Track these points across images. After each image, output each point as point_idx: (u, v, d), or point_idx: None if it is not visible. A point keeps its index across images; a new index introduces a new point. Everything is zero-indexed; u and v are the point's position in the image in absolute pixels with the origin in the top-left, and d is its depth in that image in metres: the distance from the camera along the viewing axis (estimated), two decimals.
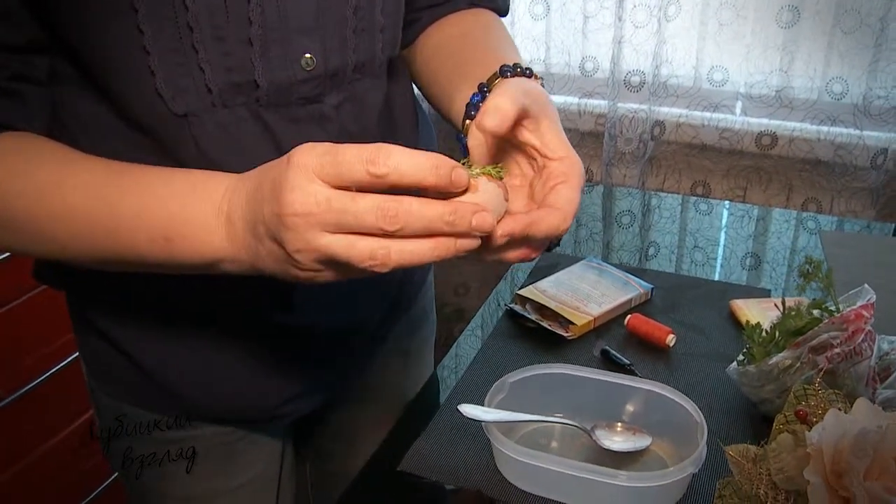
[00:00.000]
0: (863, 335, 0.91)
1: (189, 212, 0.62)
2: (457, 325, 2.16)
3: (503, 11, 0.98)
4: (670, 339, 1.06)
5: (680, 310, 1.16)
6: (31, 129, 0.69)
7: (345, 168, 0.53)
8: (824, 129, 1.69)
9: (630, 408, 0.92)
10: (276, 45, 0.70)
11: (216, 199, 0.62)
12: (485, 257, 0.63)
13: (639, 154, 1.79)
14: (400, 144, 0.61)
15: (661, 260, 1.36)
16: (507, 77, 0.72)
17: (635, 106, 1.77)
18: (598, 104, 1.83)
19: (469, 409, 0.85)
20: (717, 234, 1.52)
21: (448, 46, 0.87)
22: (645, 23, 1.69)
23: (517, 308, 1.13)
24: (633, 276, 1.20)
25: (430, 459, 0.89)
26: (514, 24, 1.84)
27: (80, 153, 0.68)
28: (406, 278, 1.00)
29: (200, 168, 0.68)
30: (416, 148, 0.58)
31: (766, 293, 1.20)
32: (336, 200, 0.53)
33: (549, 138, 0.67)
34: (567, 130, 1.91)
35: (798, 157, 1.73)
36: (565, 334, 1.08)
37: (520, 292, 1.15)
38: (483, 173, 0.60)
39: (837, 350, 0.90)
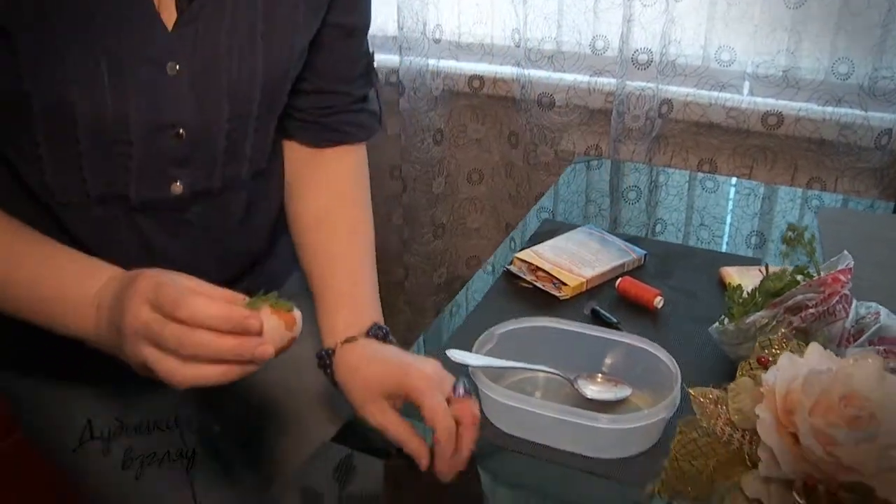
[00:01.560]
0: (837, 297, 0.96)
1: (69, 297, 0.75)
2: None
3: (373, 133, 1.09)
4: (658, 301, 1.11)
5: (672, 275, 1.21)
6: None
7: (162, 304, 0.65)
8: (829, 109, 1.71)
9: (612, 360, 0.97)
10: (150, 174, 0.84)
11: (92, 292, 0.74)
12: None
13: (646, 131, 1.83)
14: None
15: (667, 236, 1.40)
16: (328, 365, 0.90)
17: (643, 84, 1.81)
18: (608, 82, 1.86)
19: (456, 355, 0.90)
20: (724, 213, 1.56)
21: (308, 240, 1.01)
22: (653, 2, 1.73)
23: (514, 269, 1.19)
24: (627, 243, 1.24)
25: None
26: (527, 2, 1.88)
27: None
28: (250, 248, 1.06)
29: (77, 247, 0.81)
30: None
31: (757, 262, 1.24)
32: (153, 324, 0.65)
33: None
34: (577, 108, 1.94)
35: (804, 136, 1.75)
36: (558, 294, 1.13)
37: (518, 255, 1.20)
38: (271, 306, 0.69)
39: (812, 310, 0.94)
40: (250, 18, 0.83)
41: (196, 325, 0.64)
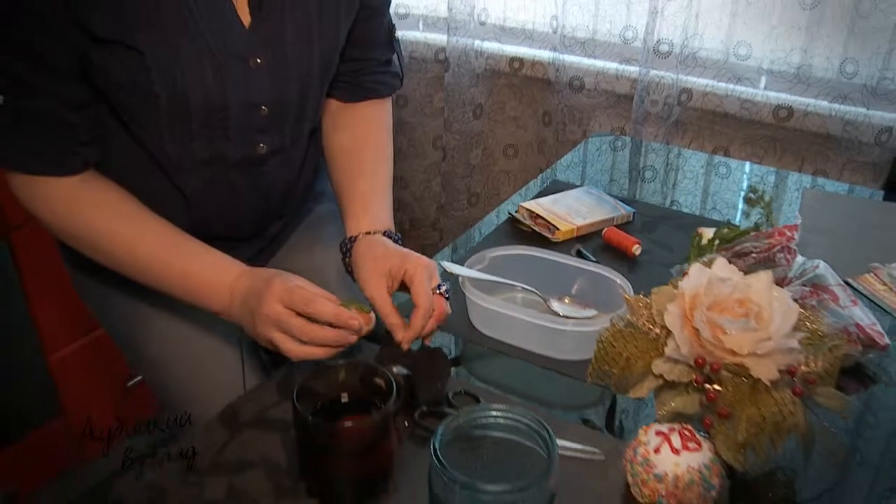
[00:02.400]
0: (779, 248, 1.12)
1: (206, 281, 1.03)
2: None
3: (396, 89, 1.33)
4: (636, 249, 1.28)
5: (655, 231, 1.38)
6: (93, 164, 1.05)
7: (294, 302, 0.94)
8: (836, 106, 1.85)
9: (582, 287, 1.15)
10: (243, 140, 1.12)
11: (228, 280, 1.03)
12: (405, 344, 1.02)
13: (664, 116, 1.99)
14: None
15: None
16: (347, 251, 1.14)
17: (663, 73, 1.97)
18: (634, 69, 2.03)
19: (450, 266, 1.09)
20: (735, 198, 1.70)
21: (341, 160, 1.25)
22: None
23: (517, 215, 1.37)
24: (619, 202, 1.42)
25: None
26: None
27: (150, 214, 1.06)
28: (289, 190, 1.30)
29: (185, 197, 1.13)
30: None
31: (734, 226, 1.40)
32: (283, 316, 0.94)
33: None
34: (605, 92, 2.11)
35: (811, 130, 1.89)
36: (551, 237, 1.31)
37: (522, 204, 1.38)
38: (357, 308, 0.98)
39: (754, 255, 1.11)
40: (307, 15, 1.08)
41: (317, 319, 0.94)
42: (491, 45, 2.25)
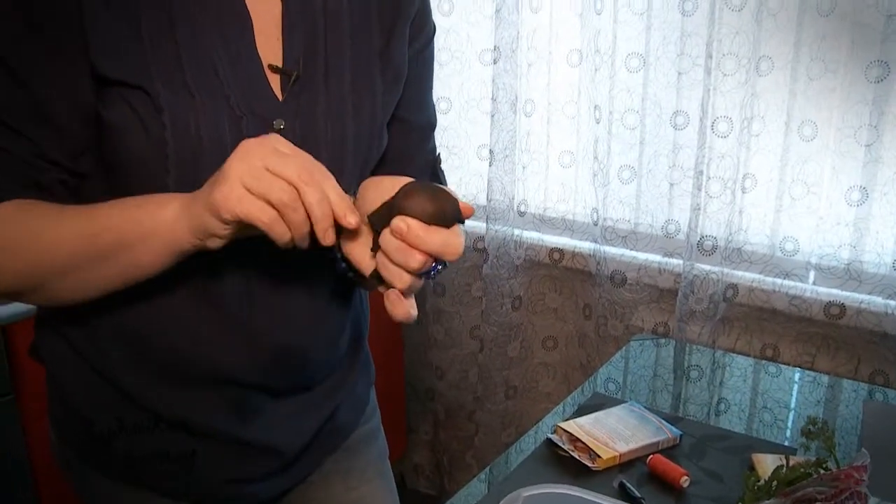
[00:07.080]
0: (848, 493, 1.01)
1: (154, 201, 0.85)
2: None
3: None
4: (684, 481, 1.18)
5: (704, 457, 1.27)
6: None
7: (301, 166, 0.77)
8: (892, 303, 1.77)
9: None
10: None
11: (175, 196, 0.84)
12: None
13: (710, 314, 1.92)
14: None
15: (730, 416, 1.46)
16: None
17: (708, 268, 1.91)
18: (677, 263, 1.97)
19: None
20: (787, 397, 1.60)
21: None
22: (719, 193, 1.85)
23: (555, 438, 1.28)
24: (665, 422, 1.32)
25: None
26: (607, 185, 2.03)
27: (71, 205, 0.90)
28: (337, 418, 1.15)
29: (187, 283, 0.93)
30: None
31: (791, 451, 1.29)
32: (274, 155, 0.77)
33: None
34: (647, 286, 2.04)
35: (866, 328, 1.80)
36: (591, 465, 1.22)
37: (560, 424, 1.29)
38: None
39: (819, 503, 1.00)
40: (340, 97, 0.98)
41: (317, 189, 0.76)
42: (531, 235, 2.22)
